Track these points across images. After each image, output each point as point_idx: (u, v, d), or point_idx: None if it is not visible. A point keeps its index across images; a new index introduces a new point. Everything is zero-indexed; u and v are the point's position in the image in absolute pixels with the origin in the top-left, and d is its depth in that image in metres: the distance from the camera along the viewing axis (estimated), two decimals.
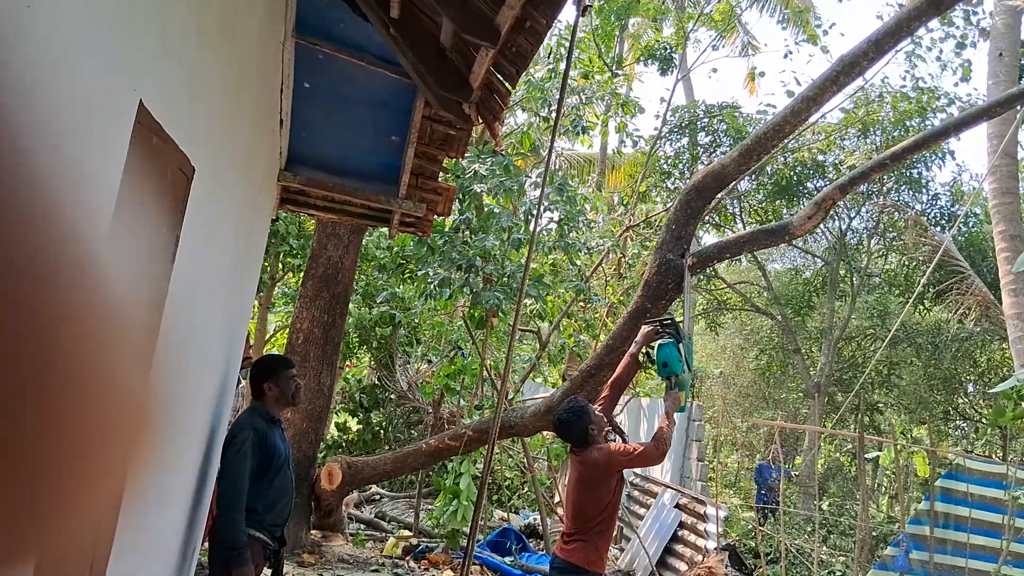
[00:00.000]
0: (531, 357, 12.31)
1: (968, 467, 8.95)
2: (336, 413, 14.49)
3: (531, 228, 9.93)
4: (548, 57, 13.41)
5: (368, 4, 3.72)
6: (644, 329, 5.36)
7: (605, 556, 4.99)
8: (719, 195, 15.14)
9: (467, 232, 9.16)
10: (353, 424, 14.21)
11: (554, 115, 12.07)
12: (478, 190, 8.88)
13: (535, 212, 9.78)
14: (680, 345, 5.20)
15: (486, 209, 9.30)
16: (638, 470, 12.46)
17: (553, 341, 12.30)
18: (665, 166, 16.53)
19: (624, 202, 16.74)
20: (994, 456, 14.22)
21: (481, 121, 4.22)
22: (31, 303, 1.39)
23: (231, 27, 3.01)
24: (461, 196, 8.93)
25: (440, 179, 5.78)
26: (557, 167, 19.68)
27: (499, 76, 3.78)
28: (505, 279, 8.93)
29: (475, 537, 5.53)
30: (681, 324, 5.49)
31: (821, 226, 17.43)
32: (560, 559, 4.82)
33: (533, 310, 10.67)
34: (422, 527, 10.42)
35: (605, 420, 5.00)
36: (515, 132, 13.07)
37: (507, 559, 9.29)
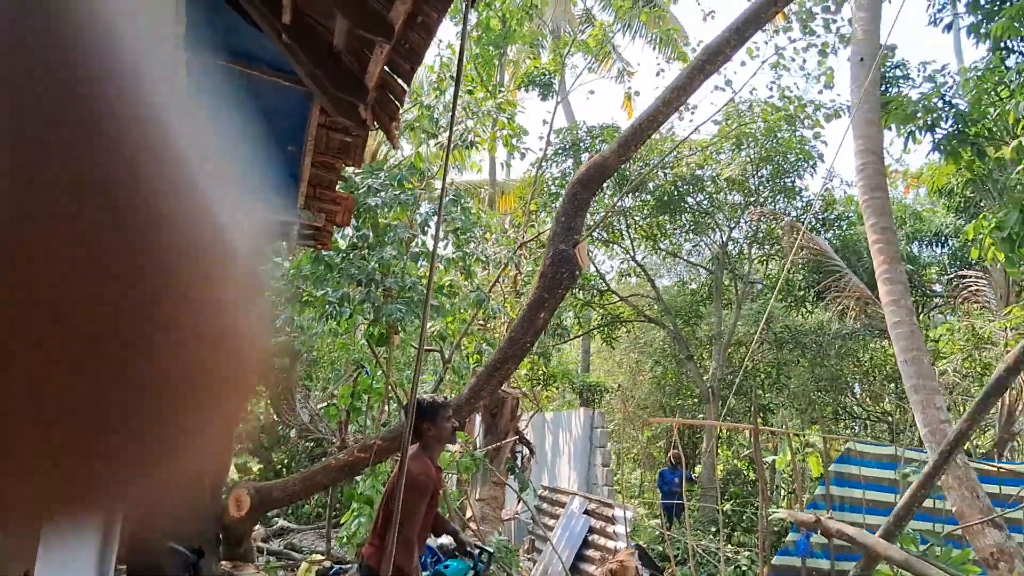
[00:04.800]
0: (437, 372, 12.25)
1: (860, 451, 9.43)
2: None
3: (428, 241, 9.97)
4: (434, 80, 13.61)
5: (259, 11, 3.77)
6: (461, 536, 5.13)
7: None
8: (608, 215, 15.64)
9: (365, 248, 9.09)
10: (254, 465, 13.86)
11: (445, 139, 12.20)
12: (372, 204, 8.85)
13: (432, 224, 9.79)
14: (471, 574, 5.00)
15: (382, 223, 9.26)
16: (545, 481, 12.60)
17: (456, 361, 12.31)
18: (552, 187, 16.86)
19: (516, 223, 16.97)
20: None
21: (377, 124, 4.29)
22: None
23: None
24: (357, 212, 8.86)
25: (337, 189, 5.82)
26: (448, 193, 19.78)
27: (394, 75, 3.88)
28: (406, 291, 8.89)
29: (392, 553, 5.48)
30: (493, 557, 5.38)
31: (704, 238, 18.14)
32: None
33: (434, 331, 10.68)
34: (334, 553, 10.26)
35: (449, 437, 4.56)
36: (401, 163, 13.10)
37: (425, 574, 9.23)
